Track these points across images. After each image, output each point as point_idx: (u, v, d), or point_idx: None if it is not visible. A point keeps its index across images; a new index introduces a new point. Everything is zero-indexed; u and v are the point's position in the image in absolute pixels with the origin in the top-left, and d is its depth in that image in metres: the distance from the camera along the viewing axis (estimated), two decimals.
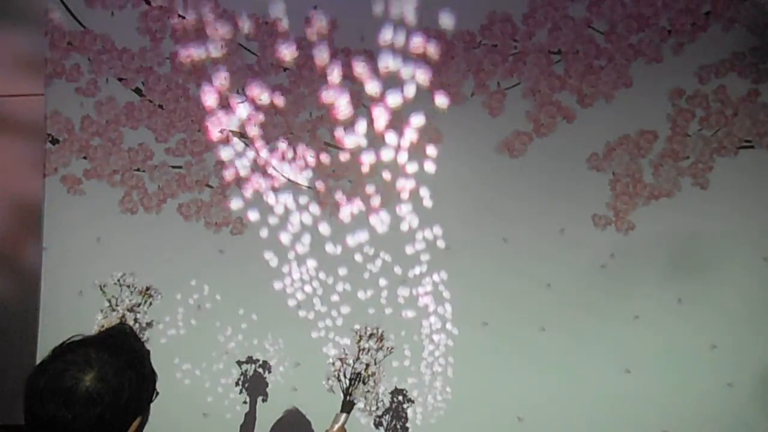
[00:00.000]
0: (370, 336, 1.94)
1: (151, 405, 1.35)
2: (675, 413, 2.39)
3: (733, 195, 2.40)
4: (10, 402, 2.62)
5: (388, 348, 1.96)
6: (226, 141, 2.63)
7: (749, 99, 2.40)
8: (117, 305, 2.01)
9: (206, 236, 2.65)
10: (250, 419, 2.56)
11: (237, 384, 2.60)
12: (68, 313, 2.61)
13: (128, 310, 2.02)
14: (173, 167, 2.67)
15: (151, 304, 2.07)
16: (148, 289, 2.08)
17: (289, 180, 2.61)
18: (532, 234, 2.49)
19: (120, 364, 1.28)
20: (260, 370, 2.60)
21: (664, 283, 2.42)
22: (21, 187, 2.78)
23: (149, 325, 2.08)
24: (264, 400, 2.58)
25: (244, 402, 2.58)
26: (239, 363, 2.61)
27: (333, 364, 1.94)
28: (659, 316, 2.41)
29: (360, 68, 2.55)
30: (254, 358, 2.61)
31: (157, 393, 1.38)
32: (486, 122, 2.52)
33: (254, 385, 2.60)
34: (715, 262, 2.40)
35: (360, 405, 1.90)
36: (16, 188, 2.79)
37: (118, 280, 2.05)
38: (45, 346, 1.35)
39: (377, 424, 2.51)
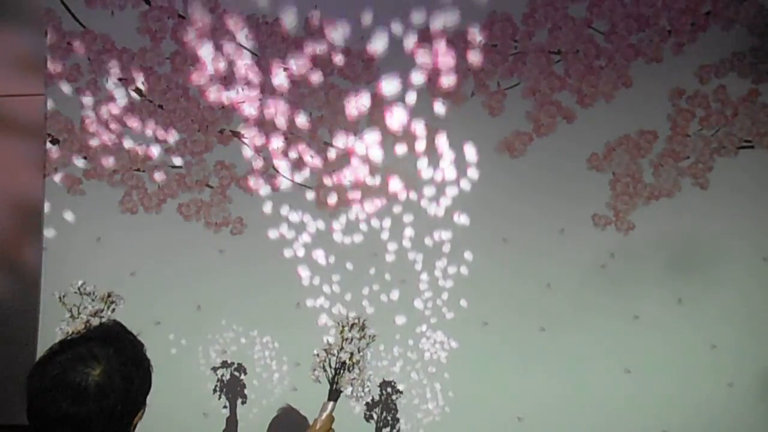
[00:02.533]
0: (352, 326, 2.00)
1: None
2: (675, 413, 2.39)
3: (733, 195, 2.40)
4: (11, 402, 2.63)
5: (370, 336, 2.02)
6: (226, 141, 2.64)
7: (749, 99, 2.40)
8: (79, 313, 2.01)
9: (206, 236, 2.65)
10: (246, 418, 2.57)
11: (236, 384, 2.61)
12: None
13: (92, 316, 2.02)
14: (173, 167, 2.68)
15: (113, 310, 2.07)
16: (109, 295, 2.07)
17: (289, 180, 2.61)
18: (532, 234, 2.49)
19: (124, 358, 1.28)
20: (260, 369, 2.60)
21: (664, 283, 2.42)
22: (21, 187, 2.78)
23: None
24: (263, 400, 2.59)
25: (242, 403, 2.59)
26: (238, 363, 2.62)
27: (318, 355, 1.99)
28: (659, 316, 2.41)
29: (360, 68, 2.55)
30: (254, 357, 2.61)
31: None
32: (486, 122, 2.52)
33: (253, 385, 2.61)
34: (715, 262, 2.40)
35: (347, 392, 1.96)
36: (16, 188, 2.79)
37: (78, 289, 2.05)
38: (45, 346, 1.36)
39: (368, 418, 2.51)
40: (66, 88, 2.71)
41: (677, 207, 2.43)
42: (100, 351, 1.26)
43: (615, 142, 2.47)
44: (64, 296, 2.06)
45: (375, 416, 2.52)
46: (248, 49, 2.61)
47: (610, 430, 2.42)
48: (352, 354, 1.95)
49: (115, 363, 1.26)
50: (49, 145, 2.72)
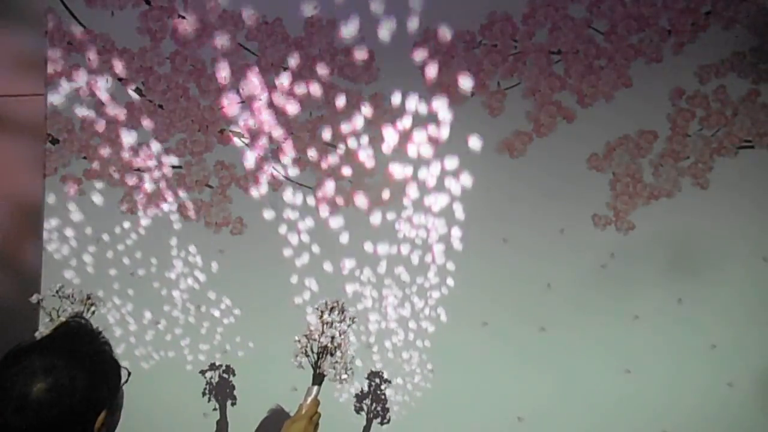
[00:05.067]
0: (332, 309, 2.01)
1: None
2: (675, 413, 2.39)
3: (733, 195, 2.40)
4: None
5: (350, 318, 2.03)
6: (226, 141, 2.64)
7: (749, 99, 2.40)
8: (59, 316, 2.01)
9: (206, 236, 2.65)
10: (243, 418, 2.57)
11: (233, 385, 2.61)
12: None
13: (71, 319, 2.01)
14: (173, 167, 2.68)
15: (94, 312, 2.06)
16: (89, 297, 2.07)
17: (289, 180, 2.61)
18: (532, 234, 2.49)
19: (68, 366, 1.27)
20: (260, 369, 2.60)
21: (664, 283, 2.42)
22: (21, 187, 2.78)
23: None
24: (262, 401, 2.59)
25: (232, 404, 2.59)
26: (238, 363, 2.62)
27: (299, 341, 1.99)
28: (659, 316, 2.41)
29: (360, 68, 2.55)
30: (254, 357, 2.61)
31: (129, 373, 1.38)
32: (486, 122, 2.52)
33: (253, 385, 2.61)
34: (715, 262, 2.40)
35: (330, 375, 1.97)
36: (16, 188, 2.79)
37: (57, 292, 2.04)
38: None
39: (358, 409, 2.52)
40: (66, 88, 2.71)
41: (677, 207, 2.43)
42: (41, 363, 1.26)
43: (615, 142, 2.47)
44: (42, 300, 2.05)
45: (365, 407, 2.52)
46: (248, 49, 2.61)
47: (610, 430, 2.42)
48: (333, 337, 1.96)
49: (58, 375, 1.25)
50: (49, 145, 2.72)
